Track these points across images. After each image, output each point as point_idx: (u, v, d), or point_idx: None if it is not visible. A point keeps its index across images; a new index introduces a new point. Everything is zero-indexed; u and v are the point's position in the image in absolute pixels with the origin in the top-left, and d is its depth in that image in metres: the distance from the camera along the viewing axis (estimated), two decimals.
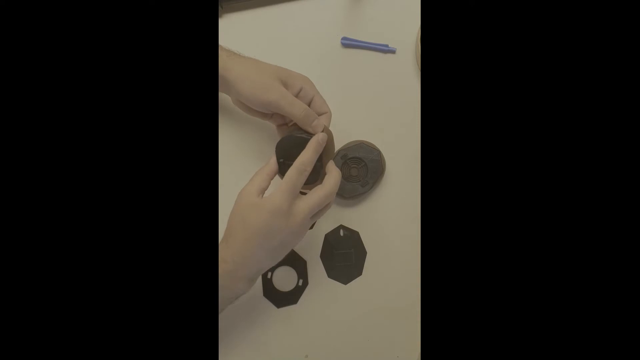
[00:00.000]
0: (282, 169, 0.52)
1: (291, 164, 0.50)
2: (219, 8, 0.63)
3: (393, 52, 0.64)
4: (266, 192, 0.51)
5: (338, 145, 0.61)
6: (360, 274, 0.64)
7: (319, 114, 0.55)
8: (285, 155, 0.52)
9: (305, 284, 0.63)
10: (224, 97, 0.62)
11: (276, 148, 0.53)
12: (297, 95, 0.54)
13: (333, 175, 0.52)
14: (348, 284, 0.63)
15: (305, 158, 0.50)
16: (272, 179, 0.52)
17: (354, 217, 0.64)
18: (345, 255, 0.63)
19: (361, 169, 0.62)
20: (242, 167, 0.63)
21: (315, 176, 0.52)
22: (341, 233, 0.64)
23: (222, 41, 0.61)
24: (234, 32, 0.64)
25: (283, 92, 0.52)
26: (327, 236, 0.64)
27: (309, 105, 0.55)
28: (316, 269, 0.64)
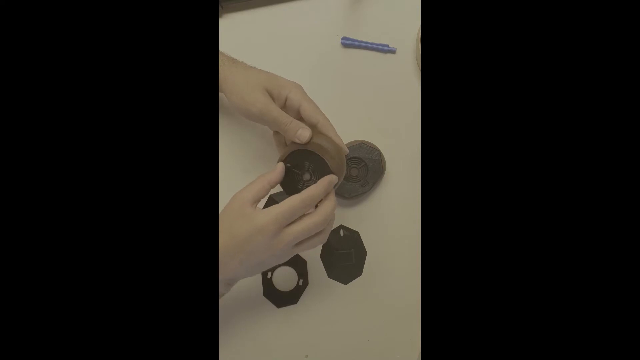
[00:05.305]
0: (288, 175, 0.51)
1: (298, 172, 0.50)
2: (219, 8, 0.63)
3: (393, 52, 0.64)
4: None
5: None
6: (360, 274, 0.64)
7: (310, 124, 0.53)
8: (294, 163, 0.51)
9: (305, 284, 0.63)
10: (224, 98, 0.62)
11: (286, 155, 0.52)
12: (283, 105, 0.53)
13: (325, 204, 0.49)
14: (348, 284, 0.63)
15: (315, 193, 0.47)
16: (272, 187, 0.50)
17: (354, 217, 0.64)
18: (345, 255, 0.63)
19: (361, 169, 0.62)
20: (241, 168, 0.63)
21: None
22: (341, 233, 0.64)
23: (222, 41, 0.62)
24: (234, 32, 0.64)
25: (266, 104, 0.51)
26: None
27: (298, 114, 0.53)
28: (316, 269, 0.64)
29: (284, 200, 0.47)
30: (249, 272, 0.50)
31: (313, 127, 0.53)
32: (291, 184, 0.51)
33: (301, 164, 0.50)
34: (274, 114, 0.51)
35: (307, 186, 0.50)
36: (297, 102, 0.53)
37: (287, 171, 0.51)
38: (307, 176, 0.51)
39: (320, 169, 0.50)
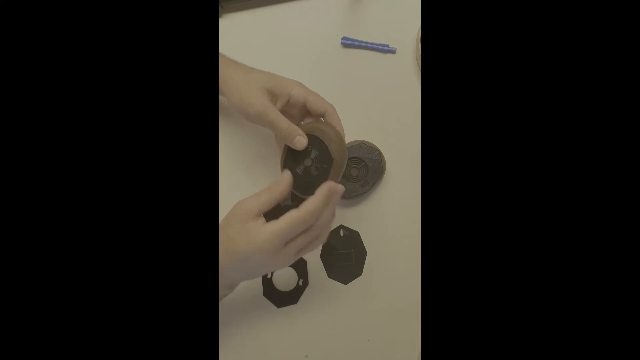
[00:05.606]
0: (289, 159, 0.51)
1: (299, 158, 0.50)
2: (219, 8, 0.63)
3: (393, 52, 0.64)
4: None
5: None
6: (360, 274, 0.64)
7: (318, 115, 0.54)
8: (293, 158, 0.51)
9: (305, 284, 0.63)
10: (224, 100, 0.62)
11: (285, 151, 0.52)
12: (287, 103, 0.53)
13: (311, 200, 0.46)
14: (348, 284, 0.63)
15: (315, 207, 0.45)
16: (281, 200, 0.48)
17: (354, 217, 0.64)
18: (345, 255, 0.63)
19: (361, 169, 0.62)
20: (241, 169, 0.63)
21: (317, 186, 0.49)
22: (341, 233, 0.64)
23: (222, 41, 0.62)
24: (234, 32, 0.64)
25: (264, 106, 0.51)
26: None
27: (304, 109, 0.54)
28: (316, 269, 0.64)
29: (283, 216, 0.45)
30: (250, 278, 0.52)
31: (321, 117, 0.54)
32: (291, 168, 0.51)
33: (304, 149, 0.51)
34: (270, 117, 0.51)
35: (306, 172, 0.50)
36: (301, 98, 0.53)
37: (289, 154, 0.51)
38: (308, 162, 0.51)
39: (322, 155, 0.50)
